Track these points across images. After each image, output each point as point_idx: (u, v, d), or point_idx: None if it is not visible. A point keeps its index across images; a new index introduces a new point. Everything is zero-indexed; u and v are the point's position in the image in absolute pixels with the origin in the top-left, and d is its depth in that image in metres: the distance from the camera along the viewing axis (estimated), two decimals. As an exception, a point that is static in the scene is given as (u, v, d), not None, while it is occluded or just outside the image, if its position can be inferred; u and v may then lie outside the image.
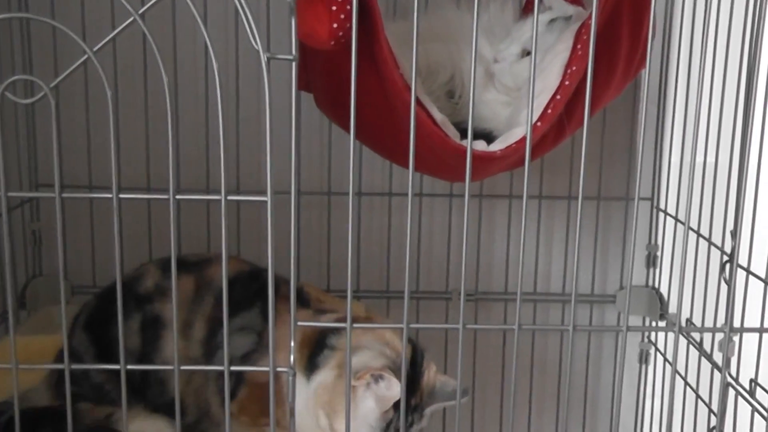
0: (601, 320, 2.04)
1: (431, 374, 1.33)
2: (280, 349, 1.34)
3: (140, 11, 0.99)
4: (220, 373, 1.33)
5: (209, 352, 1.37)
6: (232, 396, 1.29)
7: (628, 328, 1.17)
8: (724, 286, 1.44)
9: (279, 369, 1.06)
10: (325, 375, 1.30)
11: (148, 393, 1.37)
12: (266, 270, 1.45)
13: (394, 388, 1.22)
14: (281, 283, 1.41)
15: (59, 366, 1.07)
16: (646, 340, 1.99)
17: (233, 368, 1.10)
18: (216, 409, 1.37)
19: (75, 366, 1.07)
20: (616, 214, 1.98)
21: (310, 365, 1.31)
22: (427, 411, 1.32)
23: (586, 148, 1.09)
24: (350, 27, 1.05)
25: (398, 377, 1.19)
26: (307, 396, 1.31)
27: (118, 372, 1.22)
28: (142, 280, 1.40)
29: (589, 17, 1.19)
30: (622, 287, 2.00)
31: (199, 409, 1.38)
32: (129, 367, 1.06)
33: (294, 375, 1.06)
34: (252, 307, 1.26)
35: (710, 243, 1.56)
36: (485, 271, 1.97)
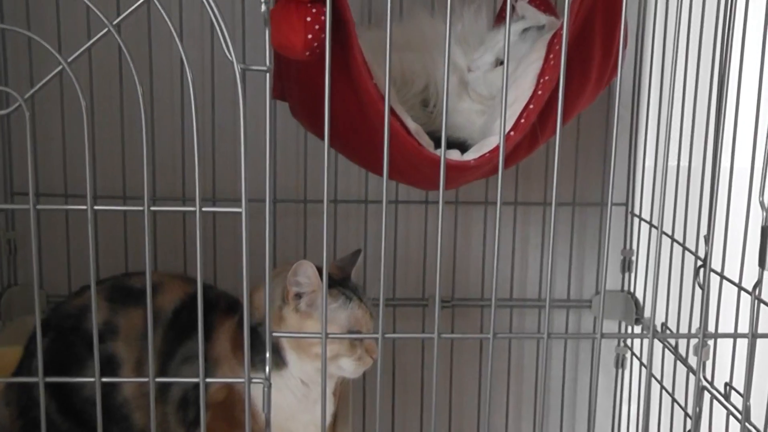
0: (577, 324, 2.05)
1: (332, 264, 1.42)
2: (222, 363, 1.35)
3: (114, 22, 0.99)
4: (179, 405, 1.35)
5: (162, 387, 1.37)
6: (198, 424, 1.29)
7: (603, 335, 1.18)
8: (698, 291, 1.46)
9: (255, 380, 1.06)
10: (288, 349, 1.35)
11: (115, 430, 1.36)
12: (211, 287, 1.48)
13: (305, 268, 1.30)
14: (221, 297, 1.43)
15: (33, 379, 1.06)
16: (622, 344, 2.00)
17: (209, 380, 1.10)
18: None
19: (49, 379, 1.06)
20: (591, 220, 1.99)
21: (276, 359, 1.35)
22: (352, 277, 1.43)
23: (559, 156, 1.10)
24: (325, 37, 1.06)
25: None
26: (291, 377, 1.36)
27: (81, 422, 1.23)
28: (89, 316, 1.29)
29: (562, 27, 1.20)
30: (598, 292, 2.01)
31: None
32: (104, 379, 1.06)
33: (270, 386, 1.06)
34: (195, 334, 1.26)
35: (684, 248, 1.57)
36: (461, 277, 1.97)
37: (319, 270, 1.29)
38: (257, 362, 1.19)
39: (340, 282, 1.38)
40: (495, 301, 1.13)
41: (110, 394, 1.35)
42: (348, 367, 1.35)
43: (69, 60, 0.99)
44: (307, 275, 1.30)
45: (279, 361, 1.34)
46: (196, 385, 1.23)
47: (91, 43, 0.99)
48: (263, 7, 1.01)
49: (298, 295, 1.32)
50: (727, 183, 1.38)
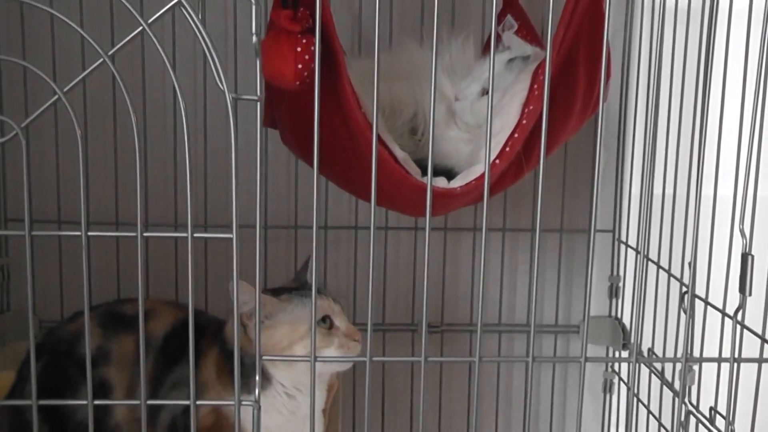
0: (566, 350, 2.06)
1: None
2: (209, 389, 1.36)
3: (110, 52, 1.01)
4: (168, 431, 1.36)
5: (152, 413, 1.36)
6: None
7: (587, 358, 1.20)
8: (684, 316, 1.47)
9: (244, 403, 1.07)
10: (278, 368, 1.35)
11: None
12: (201, 313, 1.48)
13: (245, 289, 1.22)
14: (210, 323, 1.44)
15: (26, 402, 1.07)
16: (610, 369, 2.01)
17: (200, 402, 1.11)
18: None
19: (42, 401, 1.08)
20: (579, 246, 2.00)
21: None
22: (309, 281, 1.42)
23: (545, 183, 1.12)
24: (315, 67, 1.08)
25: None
26: (276, 394, 1.36)
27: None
28: (82, 342, 1.31)
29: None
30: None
31: None
32: (96, 402, 1.07)
33: (259, 409, 1.07)
34: (184, 359, 1.26)
35: (669, 274, 1.58)
36: (451, 303, 1.98)
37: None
38: (242, 385, 1.19)
39: (293, 289, 1.38)
40: (480, 325, 1.15)
41: (103, 419, 1.35)
42: (331, 356, 1.33)
43: (65, 90, 1.01)
44: (243, 291, 1.24)
45: (262, 380, 1.34)
46: (184, 411, 1.24)
47: (86, 73, 1.01)
48: (254, 38, 1.03)
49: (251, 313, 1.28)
50: (710, 211, 1.40)
